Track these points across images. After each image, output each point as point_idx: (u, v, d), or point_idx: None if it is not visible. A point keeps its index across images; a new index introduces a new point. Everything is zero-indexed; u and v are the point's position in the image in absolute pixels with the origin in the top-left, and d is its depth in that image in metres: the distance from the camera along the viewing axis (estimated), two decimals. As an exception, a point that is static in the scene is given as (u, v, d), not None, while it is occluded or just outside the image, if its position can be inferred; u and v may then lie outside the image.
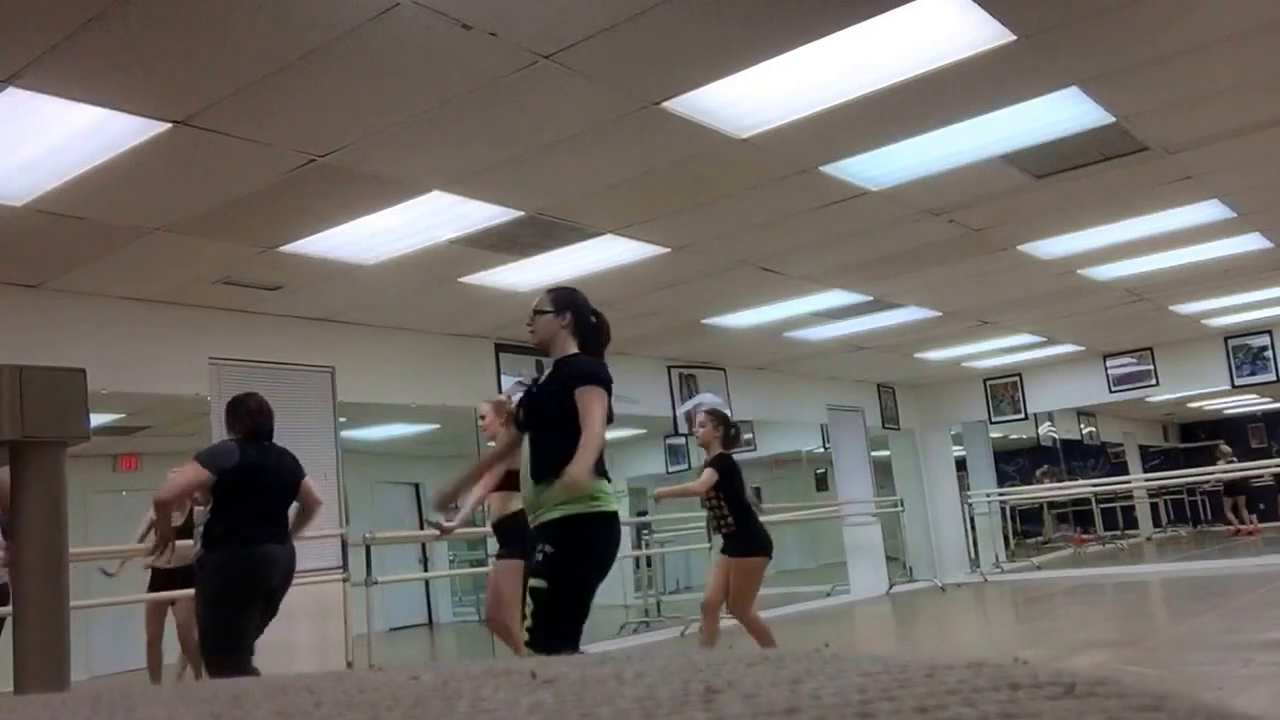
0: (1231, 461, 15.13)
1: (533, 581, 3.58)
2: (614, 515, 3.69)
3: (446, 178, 4.87)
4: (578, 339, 3.78)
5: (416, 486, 13.32)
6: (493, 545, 5.77)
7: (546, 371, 3.88)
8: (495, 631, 5.47)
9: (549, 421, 3.68)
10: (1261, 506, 17.02)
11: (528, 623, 3.54)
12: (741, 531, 5.56)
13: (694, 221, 5.86)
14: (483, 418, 5.47)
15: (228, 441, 4.54)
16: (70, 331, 5.84)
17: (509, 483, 4.86)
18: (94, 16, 3.19)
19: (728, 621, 5.65)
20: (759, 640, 5.45)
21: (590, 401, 3.57)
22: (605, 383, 3.66)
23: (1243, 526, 16.19)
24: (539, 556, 3.58)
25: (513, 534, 5.15)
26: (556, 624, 3.51)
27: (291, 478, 4.66)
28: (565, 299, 3.83)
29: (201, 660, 4.73)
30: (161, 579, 6.35)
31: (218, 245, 5.45)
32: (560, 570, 3.54)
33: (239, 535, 4.33)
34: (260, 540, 4.37)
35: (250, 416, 4.56)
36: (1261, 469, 14.93)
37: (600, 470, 3.63)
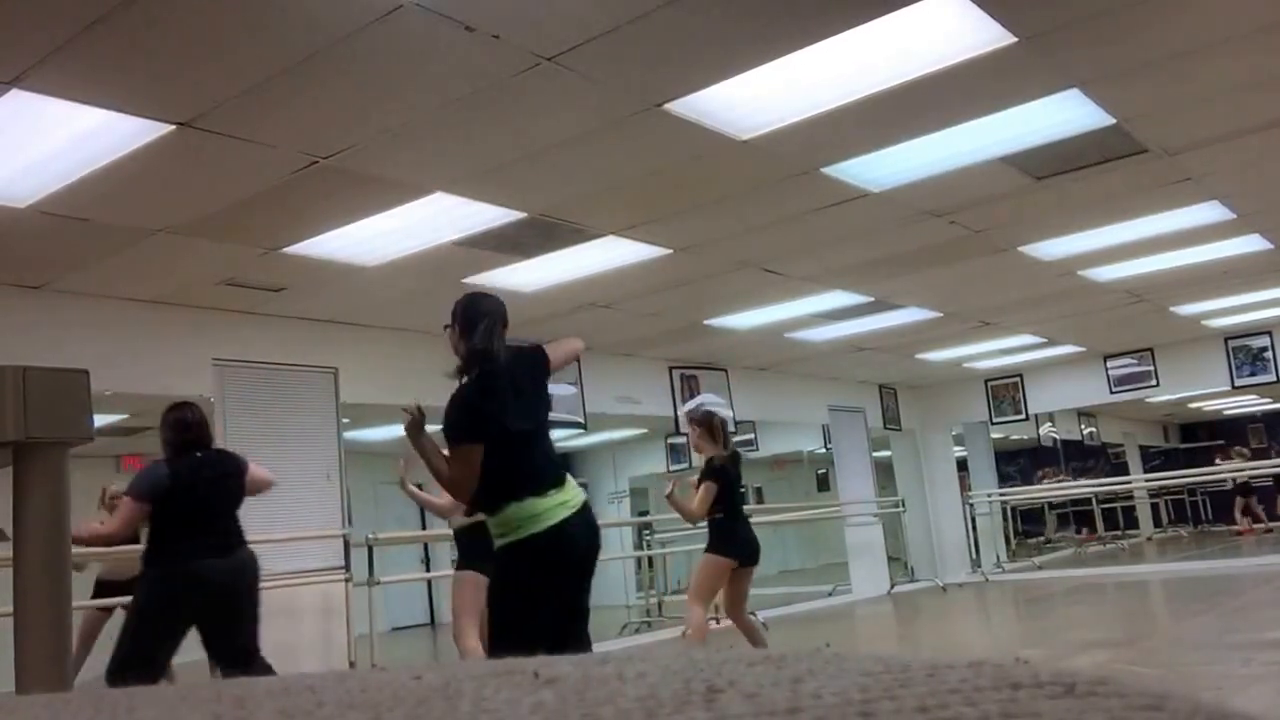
0: (1246, 459, 15.14)
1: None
2: (538, 536, 3.29)
3: (449, 179, 4.87)
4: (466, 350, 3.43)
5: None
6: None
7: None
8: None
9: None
10: (1262, 506, 17.02)
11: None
12: (722, 526, 5.54)
13: (696, 223, 5.86)
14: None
15: (158, 465, 4.38)
16: (73, 332, 5.84)
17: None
18: (98, 19, 3.20)
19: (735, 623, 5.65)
20: (694, 635, 5.47)
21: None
22: (467, 429, 3.31)
23: (1252, 526, 16.16)
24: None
25: (470, 545, 5.15)
26: (509, 647, 3.26)
27: (234, 482, 4.50)
28: (457, 307, 3.51)
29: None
30: (110, 590, 5.96)
31: (221, 247, 5.46)
32: (501, 597, 3.44)
33: (172, 552, 4.23)
34: (197, 555, 4.25)
35: (172, 429, 4.41)
36: (1266, 469, 14.92)
37: (524, 487, 3.32)
